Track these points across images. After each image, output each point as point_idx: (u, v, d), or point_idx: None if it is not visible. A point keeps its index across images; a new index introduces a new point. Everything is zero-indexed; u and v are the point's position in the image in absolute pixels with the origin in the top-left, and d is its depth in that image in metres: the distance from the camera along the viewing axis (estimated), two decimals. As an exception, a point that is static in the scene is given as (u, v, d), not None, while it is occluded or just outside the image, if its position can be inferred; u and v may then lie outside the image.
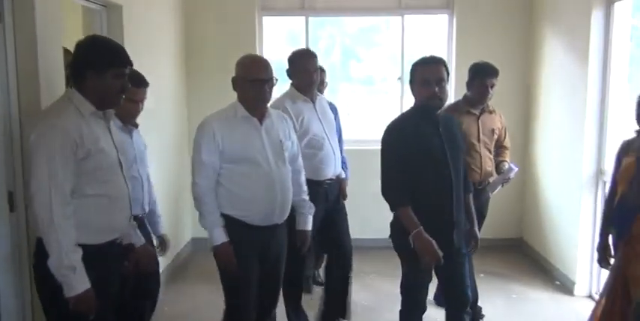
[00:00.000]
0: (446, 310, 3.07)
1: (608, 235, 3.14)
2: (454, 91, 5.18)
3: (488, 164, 3.92)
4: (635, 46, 4.29)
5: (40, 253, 2.21)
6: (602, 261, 3.17)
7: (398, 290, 2.98)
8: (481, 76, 3.79)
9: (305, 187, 3.21)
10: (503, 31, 5.41)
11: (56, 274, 2.11)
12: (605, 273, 4.23)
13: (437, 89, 2.77)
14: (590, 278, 4.43)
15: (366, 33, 6.23)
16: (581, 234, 4.38)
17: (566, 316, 4.10)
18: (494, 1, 5.41)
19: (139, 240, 2.62)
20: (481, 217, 3.83)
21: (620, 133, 4.25)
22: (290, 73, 3.60)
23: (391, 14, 5.66)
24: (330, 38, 6.08)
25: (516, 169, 3.98)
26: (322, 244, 3.83)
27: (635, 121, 2.94)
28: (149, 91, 3.00)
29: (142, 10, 4.30)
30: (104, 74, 2.26)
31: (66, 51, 2.93)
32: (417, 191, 2.81)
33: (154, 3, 4.71)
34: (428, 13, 5.68)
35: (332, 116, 3.77)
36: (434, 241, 2.72)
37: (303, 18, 5.62)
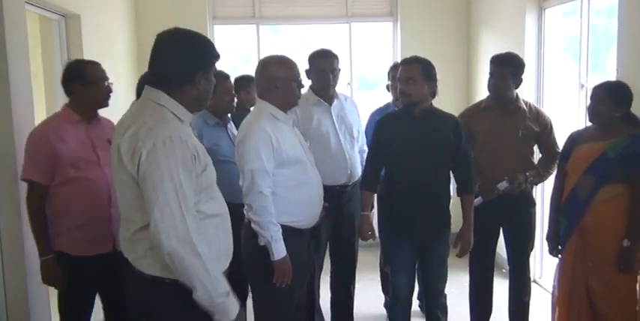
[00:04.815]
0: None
1: (558, 225, 3.12)
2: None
3: None
4: (565, 49, 4.64)
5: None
6: (554, 250, 3.16)
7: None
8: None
9: None
10: (443, 35, 5.73)
11: (209, 306, 1.79)
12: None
13: (404, 87, 2.98)
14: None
15: (307, 42, 6.39)
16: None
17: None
18: (434, 8, 5.74)
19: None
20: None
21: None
22: (307, 73, 3.47)
23: (339, 22, 5.88)
24: (273, 47, 6.21)
25: None
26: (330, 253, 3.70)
27: (586, 113, 2.98)
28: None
29: (98, 20, 4.38)
30: (209, 73, 1.93)
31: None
32: (390, 179, 3.14)
33: (109, 12, 4.79)
34: (373, 20, 5.96)
35: (354, 116, 3.65)
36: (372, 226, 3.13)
37: (254, 26, 5.79)
